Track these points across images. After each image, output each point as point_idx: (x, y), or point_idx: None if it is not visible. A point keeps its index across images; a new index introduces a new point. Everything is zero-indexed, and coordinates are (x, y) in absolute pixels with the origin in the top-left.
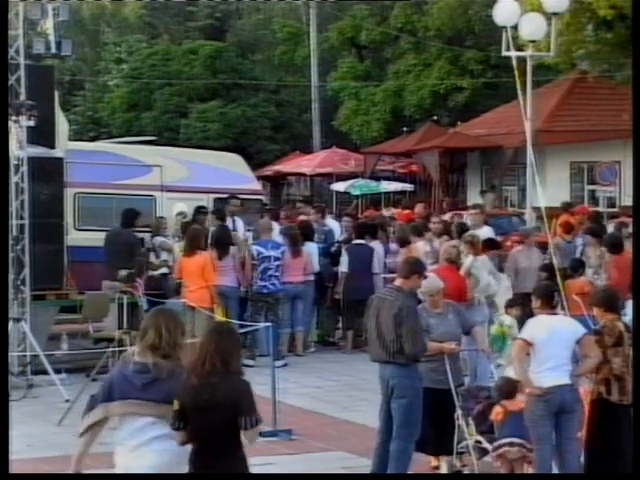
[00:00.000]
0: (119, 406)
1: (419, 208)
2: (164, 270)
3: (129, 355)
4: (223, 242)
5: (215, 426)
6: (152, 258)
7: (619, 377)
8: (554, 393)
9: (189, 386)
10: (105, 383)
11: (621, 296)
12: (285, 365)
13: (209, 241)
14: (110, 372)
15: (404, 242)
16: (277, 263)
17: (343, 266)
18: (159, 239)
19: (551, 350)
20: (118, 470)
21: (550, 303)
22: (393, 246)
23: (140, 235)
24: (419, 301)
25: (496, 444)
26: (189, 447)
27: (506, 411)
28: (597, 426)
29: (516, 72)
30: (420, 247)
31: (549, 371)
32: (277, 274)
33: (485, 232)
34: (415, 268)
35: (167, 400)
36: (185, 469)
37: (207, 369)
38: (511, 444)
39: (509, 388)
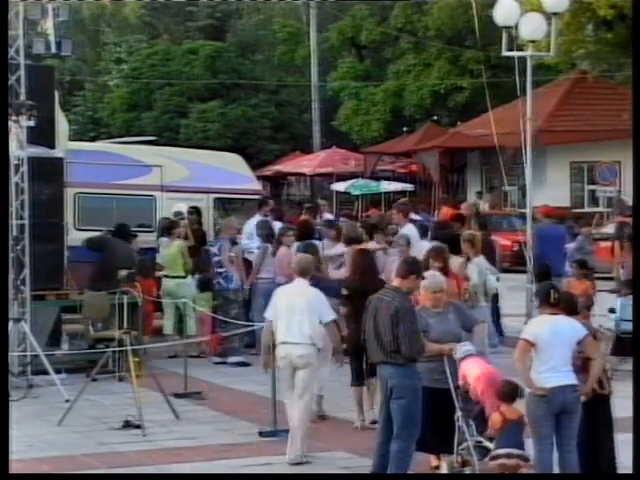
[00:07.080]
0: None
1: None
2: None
3: None
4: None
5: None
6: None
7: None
8: (556, 394)
9: (357, 284)
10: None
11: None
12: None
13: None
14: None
15: (350, 241)
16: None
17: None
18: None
19: (553, 350)
20: None
21: (550, 302)
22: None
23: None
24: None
25: (494, 454)
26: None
27: (505, 419)
28: (593, 422)
29: (516, 72)
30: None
31: (551, 371)
32: (227, 272)
33: (408, 230)
34: (413, 269)
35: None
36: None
37: (369, 277)
38: (509, 455)
39: (512, 392)
